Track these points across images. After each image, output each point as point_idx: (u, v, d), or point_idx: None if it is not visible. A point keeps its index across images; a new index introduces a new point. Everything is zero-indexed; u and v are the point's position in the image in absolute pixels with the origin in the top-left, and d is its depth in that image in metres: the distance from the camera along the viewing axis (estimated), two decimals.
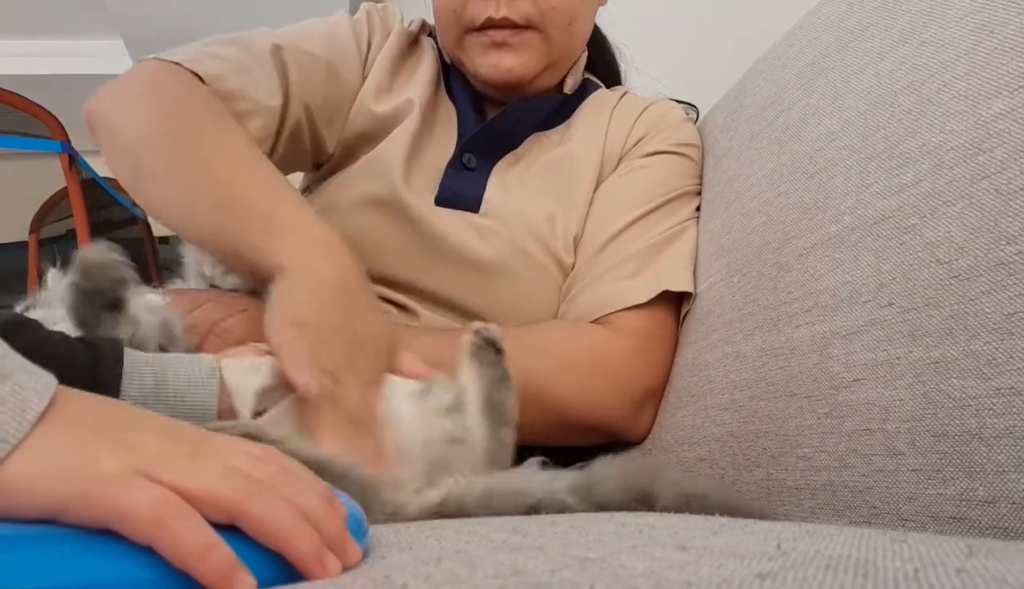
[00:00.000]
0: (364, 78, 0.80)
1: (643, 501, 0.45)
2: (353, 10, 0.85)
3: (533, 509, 0.44)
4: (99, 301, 0.48)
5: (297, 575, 0.28)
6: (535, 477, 0.47)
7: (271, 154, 0.73)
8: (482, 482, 0.47)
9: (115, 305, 0.48)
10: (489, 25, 0.75)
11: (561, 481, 0.45)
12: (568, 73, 0.84)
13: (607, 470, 0.46)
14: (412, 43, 0.86)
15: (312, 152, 0.79)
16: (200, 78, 0.66)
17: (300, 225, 0.55)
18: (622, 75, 0.97)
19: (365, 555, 0.31)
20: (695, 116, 0.92)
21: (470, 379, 0.53)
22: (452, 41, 0.79)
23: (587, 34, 0.83)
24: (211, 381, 0.48)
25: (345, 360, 0.50)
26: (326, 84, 0.76)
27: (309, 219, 0.56)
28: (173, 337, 0.53)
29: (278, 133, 0.73)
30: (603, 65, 0.95)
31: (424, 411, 0.52)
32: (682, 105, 0.94)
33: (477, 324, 0.54)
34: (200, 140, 0.61)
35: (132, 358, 0.46)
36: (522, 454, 0.53)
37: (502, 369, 0.53)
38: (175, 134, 0.61)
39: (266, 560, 0.28)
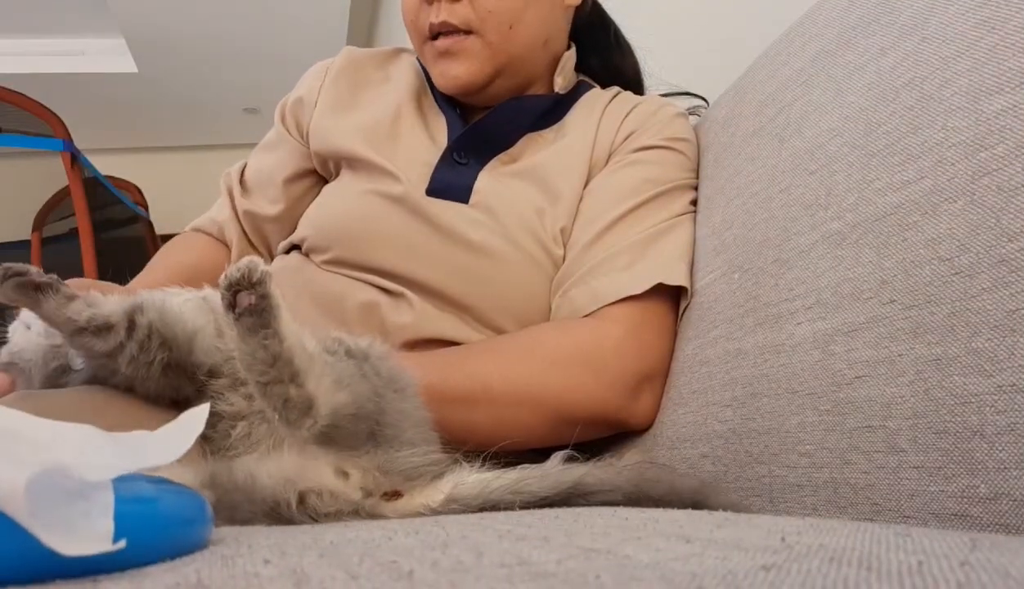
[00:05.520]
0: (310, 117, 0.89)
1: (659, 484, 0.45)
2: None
3: (575, 488, 0.43)
4: None
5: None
6: (569, 466, 0.47)
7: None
8: (508, 477, 0.46)
9: None
10: (434, 33, 0.78)
11: (589, 466, 0.45)
12: (555, 72, 0.85)
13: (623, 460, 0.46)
14: (385, 61, 0.92)
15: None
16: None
17: None
18: (643, 85, 0.97)
19: (206, 545, 0.28)
20: (704, 110, 0.91)
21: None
22: (418, 51, 0.84)
23: (538, 36, 0.81)
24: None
25: None
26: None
27: None
28: None
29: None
30: (630, 71, 0.95)
31: None
32: (692, 97, 0.94)
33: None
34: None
35: None
36: (536, 458, 0.51)
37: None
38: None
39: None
